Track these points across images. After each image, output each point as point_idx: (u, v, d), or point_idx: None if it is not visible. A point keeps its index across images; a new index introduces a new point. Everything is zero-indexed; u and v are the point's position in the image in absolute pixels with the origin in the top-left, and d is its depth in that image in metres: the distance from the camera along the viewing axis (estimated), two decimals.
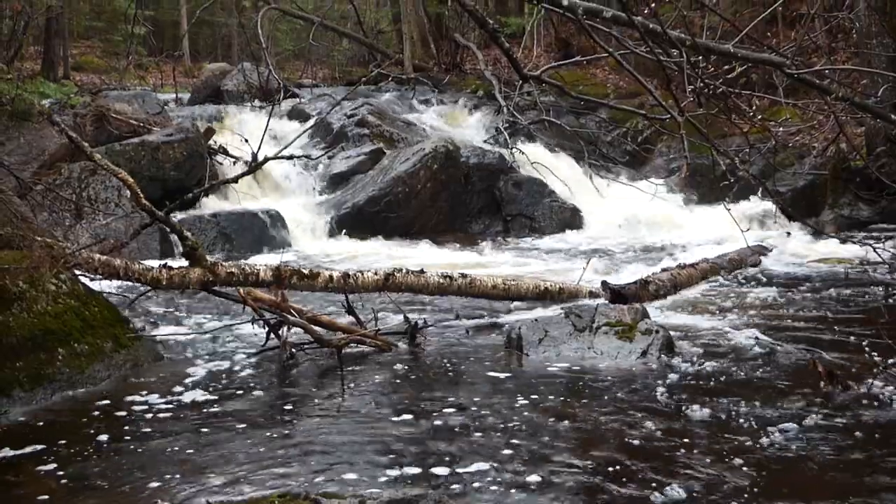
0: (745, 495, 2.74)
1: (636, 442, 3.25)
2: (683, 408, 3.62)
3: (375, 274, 5.38)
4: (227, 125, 12.10)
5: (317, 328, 4.79)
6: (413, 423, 3.51)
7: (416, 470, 2.97)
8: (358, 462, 3.07)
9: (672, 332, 4.77)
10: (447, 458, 3.08)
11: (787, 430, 3.30)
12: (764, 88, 10.63)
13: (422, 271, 5.56)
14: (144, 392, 4.00)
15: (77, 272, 4.57)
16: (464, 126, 13.65)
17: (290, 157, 5.88)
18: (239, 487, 2.85)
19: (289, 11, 16.09)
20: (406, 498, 2.75)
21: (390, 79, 14.68)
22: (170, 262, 4.94)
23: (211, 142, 11.01)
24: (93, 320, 4.43)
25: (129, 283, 5.06)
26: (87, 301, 4.53)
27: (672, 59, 3.87)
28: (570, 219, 11.07)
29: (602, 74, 15.88)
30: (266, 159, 5.46)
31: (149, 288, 4.83)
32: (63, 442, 3.34)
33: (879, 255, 4.78)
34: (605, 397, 3.85)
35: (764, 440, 3.22)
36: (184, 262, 4.93)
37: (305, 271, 5.16)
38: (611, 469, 2.97)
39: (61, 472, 3.05)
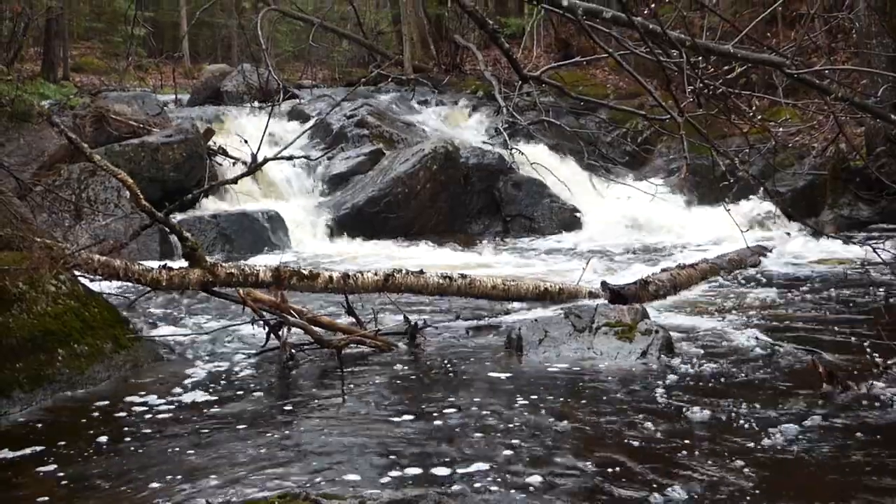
0: (747, 497, 2.73)
1: (636, 443, 3.24)
2: (683, 408, 3.62)
3: (375, 275, 5.38)
4: (226, 126, 12.10)
5: (317, 329, 4.79)
6: (413, 424, 3.51)
7: (416, 470, 2.97)
8: (358, 462, 3.07)
9: (672, 333, 4.77)
10: (447, 459, 3.08)
11: (788, 431, 3.29)
12: (764, 89, 10.63)
13: (421, 272, 5.56)
14: (144, 393, 4.00)
15: (77, 273, 4.57)
16: (463, 127, 13.66)
17: (290, 158, 5.88)
18: (239, 488, 2.85)
19: (289, 13, 16.11)
20: (406, 498, 2.75)
21: (390, 80, 14.68)
22: (169, 263, 4.93)
23: (210, 143, 11.01)
24: (92, 321, 4.43)
25: (129, 284, 5.07)
26: (87, 302, 4.52)
27: (672, 60, 3.87)
28: (570, 219, 11.07)
29: (602, 75, 15.89)
30: (266, 160, 5.46)
31: (148, 289, 4.82)
32: (63, 443, 3.34)
33: (879, 256, 4.77)
34: (605, 398, 3.84)
35: (765, 441, 3.21)
36: (183, 263, 4.93)
37: (305, 272, 5.15)
38: (611, 470, 2.96)
39: (61, 473, 3.05)
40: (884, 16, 9.89)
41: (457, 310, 5.89)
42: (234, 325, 5.15)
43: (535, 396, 3.86)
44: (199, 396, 3.96)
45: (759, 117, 5.97)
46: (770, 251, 8.32)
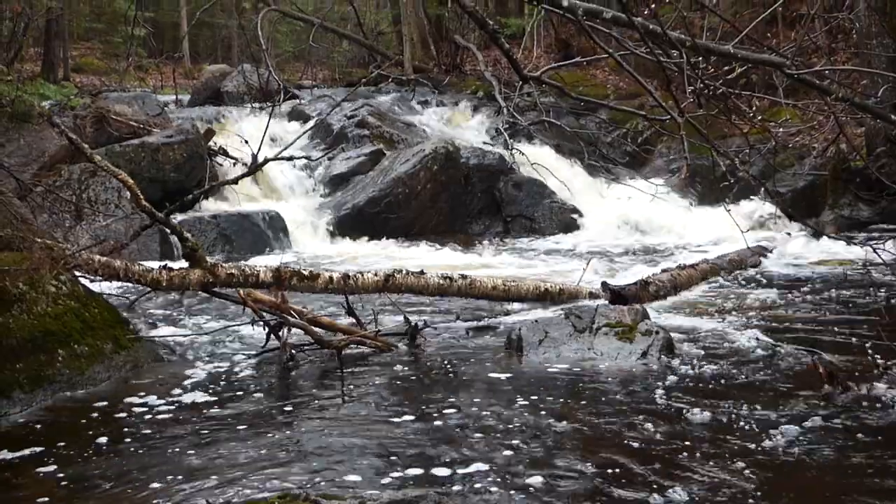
0: (748, 499, 2.73)
1: (636, 444, 3.24)
2: (684, 409, 3.62)
3: (375, 275, 5.38)
4: (227, 127, 12.10)
5: (317, 329, 4.79)
6: (413, 425, 3.51)
7: (417, 471, 2.97)
8: (358, 463, 3.07)
9: (672, 334, 4.77)
10: (447, 460, 3.08)
11: (789, 432, 3.29)
12: (764, 89, 10.63)
13: (422, 272, 5.56)
14: (144, 393, 4.00)
15: (77, 273, 4.57)
16: (464, 127, 13.66)
17: (290, 158, 5.88)
18: (239, 488, 2.85)
19: (289, 13, 16.11)
20: (406, 499, 2.75)
21: (390, 80, 14.68)
22: (170, 264, 4.93)
23: (211, 143, 11.01)
24: (93, 322, 4.43)
25: (130, 285, 5.07)
26: (87, 302, 4.52)
27: (672, 60, 3.87)
28: (570, 220, 11.07)
29: (602, 75, 15.89)
30: (266, 160, 5.46)
31: (149, 289, 4.82)
32: (63, 443, 3.34)
33: (880, 256, 4.77)
34: (606, 399, 3.84)
35: (765, 443, 3.21)
36: (184, 264, 4.93)
37: (305, 272, 5.15)
38: (611, 471, 2.96)
39: (61, 474, 3.04)
40: (884, 16, 9.89)
41: (457, 310, 5.88)
42: (235, 325, 5.15)
43: (536, 397, 3.85)
44: (200, 397, 3.96)
45: (760, 118, 5.98)
46: (770, 252, 8.32)
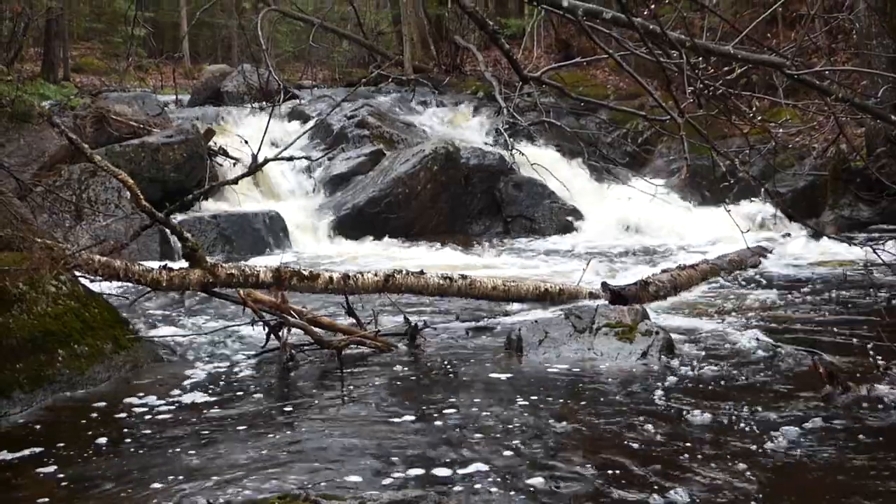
0: (752, 502, 2.73)
1: (637, 445, 3.24)
2: (684, 410, 3.62)
3: (375, 275, 5.38)
4: (226, 127, 12.11)
5: (317, 329, 4.79)
6: (413, 425, 3.50)
7: (416, 471, 2.97)
8: (358, 463, 3.06)
9: (672, 334, 4.77)
10: (447, 460, 3.08)
11: (790, 433, 3.28)
12: (764, 89, 10.64)
13: (422, 272, 5.56)
14: (144, 393, 4.00)
15: (77, 273, 4.57)
16: (464, 127, 13.66)
17: (290, 159, 5.87)
18: (239, 489, 2.85)
19: (289, 13, 16.11)
20: (406, 499, 2.75)
21: (390, 80, 14.69)
22: (170, 264, 4.93)
23: (211, 143, 11.02)
24: (93, 322, 4.43)
25: (129, 285, 5.07)
26: (87, 302, 4.52)
27: (672, 61, 3.87)
28: (570, 220, 11.07)
29: (602, 76, 15.89)
30: (266, 160, 5.46)
31: (149, 289, 4.82)
32: (63, 443, 3.34)
33: (880, 257, 4.77)
34: (606, 399, 3.84)
35: (766, 443, 3.20)
36: (184, 264, 4.93)
37: (305, 272, 5.15)
38: (611, 472, 2.96)
39: (61, 474, 3.04)
40: (884, 16, 9.89)
41: (457, 310, 5.89)
42: (235, 325, 5.15)
43: (536, 397, 3.85)
44: (199, 397, 3.96)
45: (760, 118, 5.98)
46: (770, 252, 8.32)
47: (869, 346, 4.40)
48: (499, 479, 2.89)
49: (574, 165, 12.18)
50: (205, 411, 3.75)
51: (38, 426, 3.60)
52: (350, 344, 4.70)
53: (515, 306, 5.97)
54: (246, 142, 6.39)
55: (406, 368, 4.47)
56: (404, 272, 5.49)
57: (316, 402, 3.92)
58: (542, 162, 8.38)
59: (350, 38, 19.22)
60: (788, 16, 13.43)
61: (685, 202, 11.67)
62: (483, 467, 2.99)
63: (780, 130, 9.08)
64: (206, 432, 3.47)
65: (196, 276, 4.79)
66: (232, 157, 10.86)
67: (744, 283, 6.92)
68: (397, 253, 9.26)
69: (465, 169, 11.20)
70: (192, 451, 3.23)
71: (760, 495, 2.76)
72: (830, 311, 5.72)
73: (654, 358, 4.44)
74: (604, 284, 6.15)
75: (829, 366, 4.00)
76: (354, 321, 5.04)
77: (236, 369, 4.49)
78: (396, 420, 3.57)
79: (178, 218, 8.36)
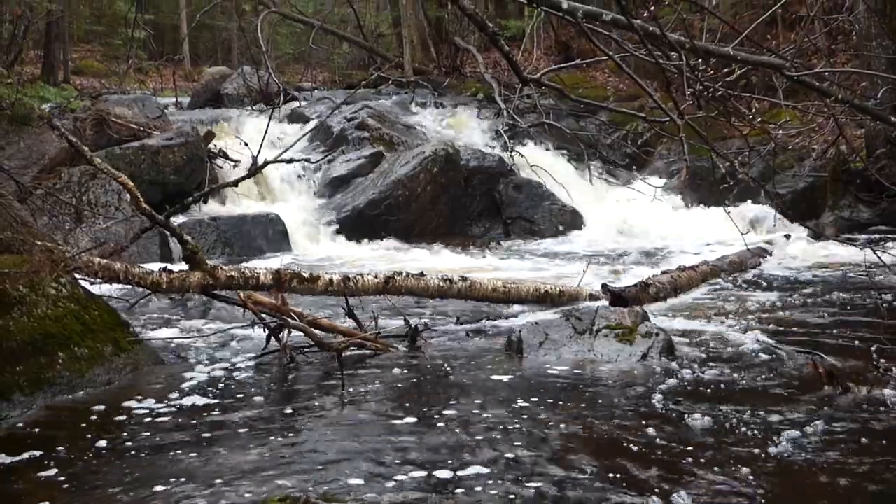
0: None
1: (638, 447, 3.23)
2: (685, 412, 3.61)
3: (375, 277, 5.38)
4: (227, 129, 12.11)
5: (317, 332, 4.79)
6: (414, 427, 3.50)
7: (417, 474, 2.97)
8: (358, 466, 3.06)
9: (672, 336, 4.77)
10: (448, 462, 3.08)
11: (792, 436, 3.27)
12: (764, 91, 10.64)
13: (422, 274, 5.56)
14: (145, 396, 3.99)
15: (77, 276, 4.57)
16: (464, 129, 13.66)
17: (290, 161, 5.88)
18: (239, 491, 2.84)
19: (289, 15, 16.13)
20: (406, 502, 2.75)
21: (390, 82, 14.71)
22: (170, 266, 4.93)
23: (211, 145, 11.02)
24: (93, 324, 4.43)
25: (130, 287, 5.07)
26: (88, 305, 4.52)
27: (671, 62, 3.87)
28: (570, 221, 11.08)
29: (602, 77, 15.91)
30: (266, 163, 5.46)
31: (149, 292, 4.82)
32: (63, 446, 3.34)
33: (880, 258, 4.77)
34: (606, 401, 3.84)
35: (768, 446, 3.19)
36: (184, 266, 4.93)
37: (305, 275, 5.15)
38: (612, 475, 2.95)
39: (62, 477, 3.04)
40: (883, 18, 9.90)
41: (457, 312, 5.89)
42: (235, 327, 5.15)
43: (536, 399, 3.85)
44: (200, 400, 3.95)
45: (759, 119, 5.99)
46: (770, 253, 8.32)
47: (873, 349, 4.39)
48: (499, 482, 2.89)
49: (574, 167, 12.18)
50: (205, 414, 3.75)
51: (38, 429, 3.60)
52: (350, 346, 4.70)
53: (516, 308, 5.97)
54: (246, 144, 6.41)
55: (406, 370, 4.46)
56: (404, 274, 5.49)
57: (316, 404, 3.92)
58: (541, 164, 8.41)
59: (350, 41, 19.24)
60: (788, 17, 13.44)
61: (685, 204, 11.68)
62: (483, 470, 2.99)
63: (780, 132, 9.08)
64: (207, 435, 3.46)
65: (196, 278, 4.79)
66: (232, 160, 10.87)
67: (744, 284, 6.91)
68: (397, 255, 9.26)
69: (465, 171, 11.20)
70: (193, 454, 3.23)
71: (763, 499, 2.75)
72: (831, 312, 5.72)
73: (654, 360, 4.44)
74: (604, 286, 6.15)
75: (828, 365, 4.00)
76: (355, 323, 5.04)
77: (237, 372, 4.49)
78: (397, 422, 3.57)
79: (178, 220, 8.37)
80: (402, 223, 10.41)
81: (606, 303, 5.80)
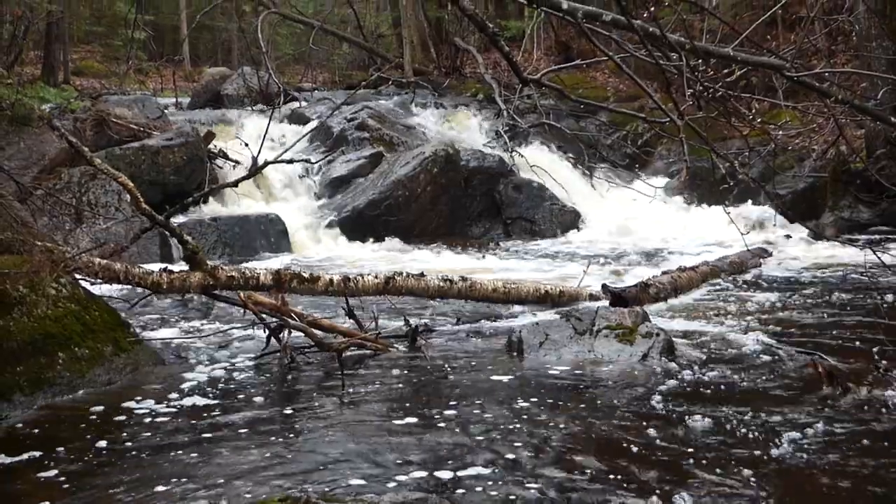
0: None
1: (638, 448, 3.23)
2: (685, 413, 3.61)
3: (376, 277, 5.38)
4: (226, 129, 12.12)
5: (317, 332, 4.79)
6: (414, 427, 3.50)
7: (418, 474, 2.97)
8: (359, 466, 3.06)
9: (673, 336, 4.76)
10: (448, 462, 3.08)
11: (793, 436, 3.26)
12: (764, 91, 10.65)
13: (422, 275, 5.56)
14: (145, 396, 3.99)
15: (77, 276, 4.57)
16: (464, 129, 13.67)
17: (290, 161, 5.88)
18: (239, 491, 2.85)
19: (289, 16, 16.13)
20: (407, 502, 2.74)
21: (390, 83, 14.72)
22: (170, 266, 4.93)
23: (211, 146, 11.03)
24: (93, 324, 4.43)
25: (130, 287, 5.07)
26: (88, 305, 4.52)
27: (671, 63, 3.87)
28: (571, 222, 11.08)
29: (602, 78, 15.92)
30: (266, 163, 5.46)
31: (149, 292, 4.82)
32: (63, 447, 3.34)
33: (879, 258, 4.77)
34: (607, 402, 3.84)
35: (768, 447, 3.19)
36: (184, 266, 4.93)
37: (306, 275, 5.15)
38: (612, 476, 2.95)
39: (62, 478, 3.04)
40: (883, 18, 9.91)
41: (457, 312, 5.89)
42: (235, 328, 5.15)
43: (536, 399, 3.85)
44: (200, 400, 3.95)
45: (759, 120, 5.99)
46: (770, 254, 8.32)
47: (875, 349, 4.39)
48: (499, 482, 2.89)
49: (574, 167, 12.19)
50: (206, 414, 3.75)
51: (38, 429, 3.60)
52: (351, 346, 4.70)
53: (516, 308, 5.97)
54: (246, 144, 6.41)
55: (407, 370, 4.46)
56: (404, 274, 5.49)
57: (316, 404, 3.92)
58: (541, 164, 8.42)
59: (350, 41, 19.25)
60: (788, 18, 13.44)
61: (685, 204, 11.69)
62: (484, 470, 2.99)
63: (780, 132, 9.09)
64: (207, 435, 3.46)
65: (196, 278, 4.79)
66: (232, 160, 10.87)
67: (744, 285, 6.92)
68: (397, 255, 9.26)
69: (465, 171, 11.21)
70: (194, 454, 3.23)
71: (764, 501, 2.74)
72: (831, 313, 5.72)
73: (654, 360, 4.44)
74: (604, 286, 6.15)
75: (827, 365, 4.00)
76: (355, 323, 5.04)
77: (237, 372, 4.48)
78: (397, 422, 3.57)
79: (178, 220, 8.37)
80: (402, 223, 10.41)
81: (607, 303, 5.80)
